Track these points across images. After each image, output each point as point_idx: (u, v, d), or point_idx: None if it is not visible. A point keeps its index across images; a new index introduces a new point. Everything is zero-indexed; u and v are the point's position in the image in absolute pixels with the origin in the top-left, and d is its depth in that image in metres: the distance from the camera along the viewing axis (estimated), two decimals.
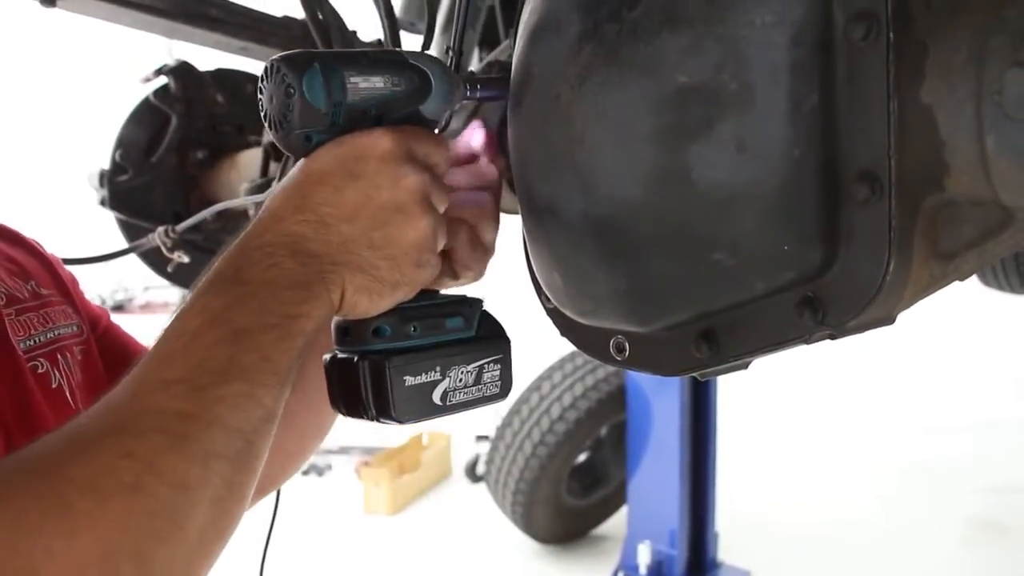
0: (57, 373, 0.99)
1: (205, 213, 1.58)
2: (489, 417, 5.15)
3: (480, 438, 6.11)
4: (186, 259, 1.71)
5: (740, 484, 5.12)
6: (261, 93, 0.79)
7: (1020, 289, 3.87)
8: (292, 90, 0.76)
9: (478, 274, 0.91)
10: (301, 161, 0.80)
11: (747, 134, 0.69)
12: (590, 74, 0.75)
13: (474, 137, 0.92)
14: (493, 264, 0.92)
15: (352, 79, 0.77)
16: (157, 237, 1.66)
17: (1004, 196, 0.66)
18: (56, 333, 1.03)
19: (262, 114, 0.80)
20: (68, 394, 1.00)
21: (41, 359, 0.98)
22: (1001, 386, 7.17)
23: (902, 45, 0.65)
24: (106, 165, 1.98)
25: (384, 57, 0.81)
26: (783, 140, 0.68)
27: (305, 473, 5.99)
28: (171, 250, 1.66)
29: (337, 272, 0.75)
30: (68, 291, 1.13)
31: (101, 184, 1.96)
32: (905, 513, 4.95)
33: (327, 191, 0.76)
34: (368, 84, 0.78)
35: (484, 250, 0.90)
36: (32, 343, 0.98)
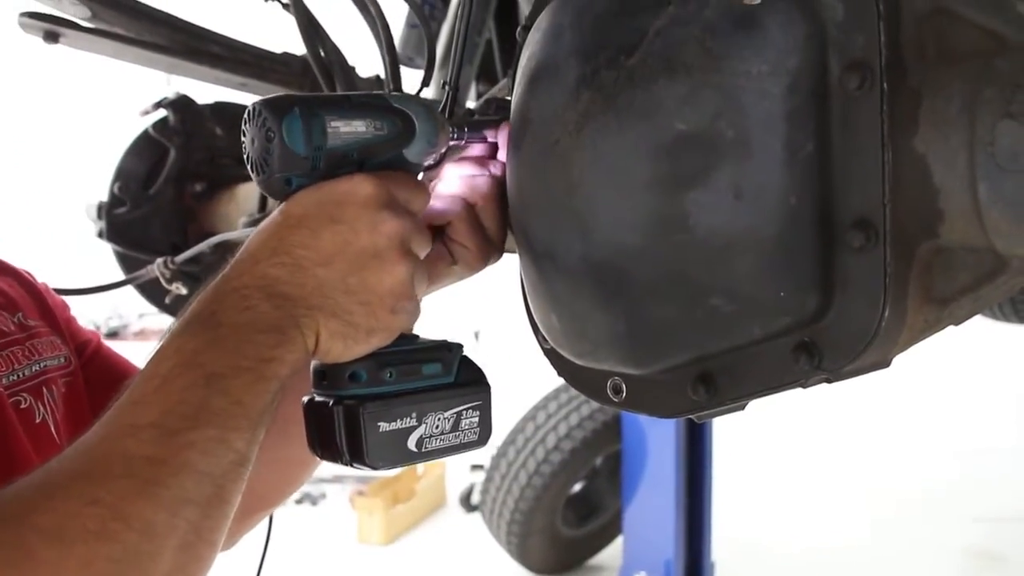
0: (41, 407, 0.99)
1: (203, 245, 1.58)
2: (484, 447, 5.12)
3: (475, 467, 6.08)
4: (184, 291, 1.71)
5: (736, 512, 5.10)
6: (244, 136, 0.80)
7: (1014, 318, 3.89)
8: (272, 134, 0.76)
9: (477, 260, 0.91)
10: (281, 204, 0.79)
11: (744, 181, 0.69)
12: (588, 120, 0.76)
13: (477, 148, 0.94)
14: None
15: (333, 123, 0.77)
16: (156, 268, 1.66)
17: (998, 244, 0.66)
18: (42, 366, 1.02)
19: (244, 156, 0.80)
20: (53, 428, 0.99)
21: (24, 394, 0.98)
22: (998, 413, 7.16)
23: (896, 94, 0.66)
24: (104, 197, 1.99)
25: (367, 101, 0.81)
26: (779, 188, 0.69)
27: (298, 502, 5.96)
28: (169, 281, 1.66)
29: (311, 316, 0.75)
30: (56, 320, 1.12)
31: (99, 216, 1.96)
32: (903, 542, 4.92)
33: (304, 234, 0.76)
34: (350, 128, 0.78)
35: (483, 236, 0.90)
36: (16, 377, 0.98)
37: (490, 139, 0.91)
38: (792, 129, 0.68)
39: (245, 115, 0.79)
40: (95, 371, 1.14)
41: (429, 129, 0.83)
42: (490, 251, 0.91)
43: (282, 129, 0.75)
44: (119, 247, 1.97)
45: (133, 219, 1.97)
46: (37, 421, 0.98)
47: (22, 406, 0.97)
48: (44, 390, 1.01)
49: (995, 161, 0.63)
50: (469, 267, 0.91)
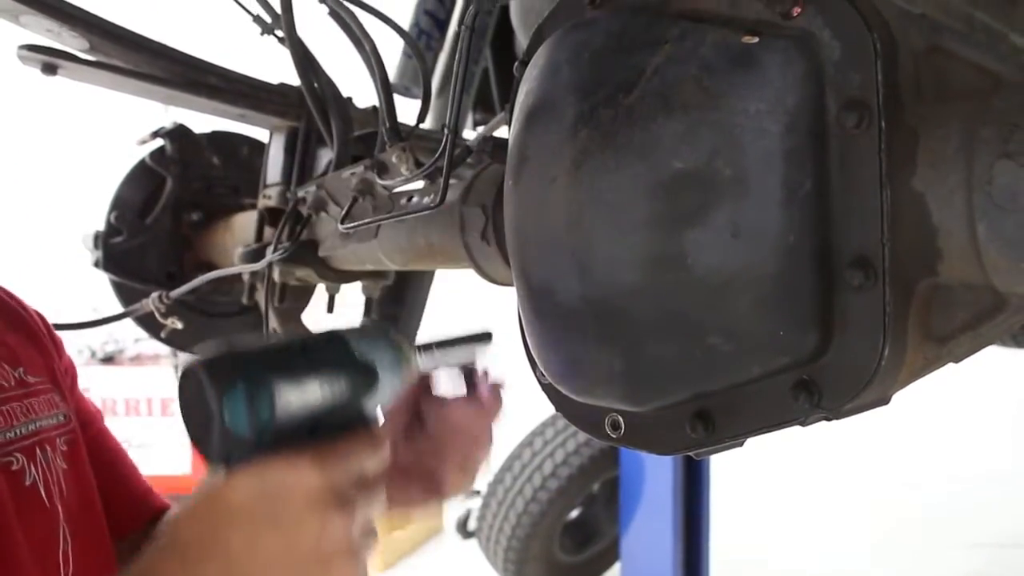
0: (33, 469, 0.97)
1: (198, 281, 1.58)
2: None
3: (472, 493, 6.06)
4: (179, 325, 1.71)
5: (734, 538, 5.07)
6: (180, 393, 0.70)
7: (1011, 343, 3.88)
8: (211, 412, 0.66)
9: (444, 497, 0.88)
10: (217, 483, 0.70)
11: (742, 220, 0.69)
12: (586, 158, 0.76)
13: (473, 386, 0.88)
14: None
15: (283, 394, 0.68)
16: (151, 303, 1.66)
17: (997, 282, 0.66)
18: (37, 425, 1.00)
19: (181, 412, 0.71)
20: (42, 491, 0.97)
21: (17, 454, 0.96)
22: (996, 438, 7.15)
23: (894, 133, 0.66)
24: (101, 226, 1.99)
25: (323, 355, 0.71)
26: (778, 226, 0.68)
27: None
28: (165, 316, 1.66)
29: None
30: (57, 379, 1.10)
31: (96, 246, 1.96)
32: (902, 567, 4.91)
33: (241, 537, 0.68)
34: (301, 397, 0.69)
35: (474, 473, 0.87)
36: (11, 435, 0.96)
37: (467, 364, 0.85)
38: (790, 168, 0.68)
39: (183, 371, 0.69)
40: (92, 452, 1.13)
41: (393, 379, 0.75)
42: (466, 484, 0.88)
43: (223, 409, 0.66)
44: (116, 276, 1.97)
45: (130, 248, 1.96)
46: (27, 484, 0.96)
47: (13, 467, 0.95)
48: (38, 451, 0.99)
49: (993, 201, 0.63)
50: (435, 504, 0.87)
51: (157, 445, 6.32)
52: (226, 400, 0.65)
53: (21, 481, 0.95)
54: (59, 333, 1.19)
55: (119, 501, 1.15)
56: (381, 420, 0.78)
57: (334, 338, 0.73)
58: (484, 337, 0.84)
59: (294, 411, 0.68)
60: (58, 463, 1.01)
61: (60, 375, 1.12)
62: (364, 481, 0.73)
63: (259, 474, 0.69)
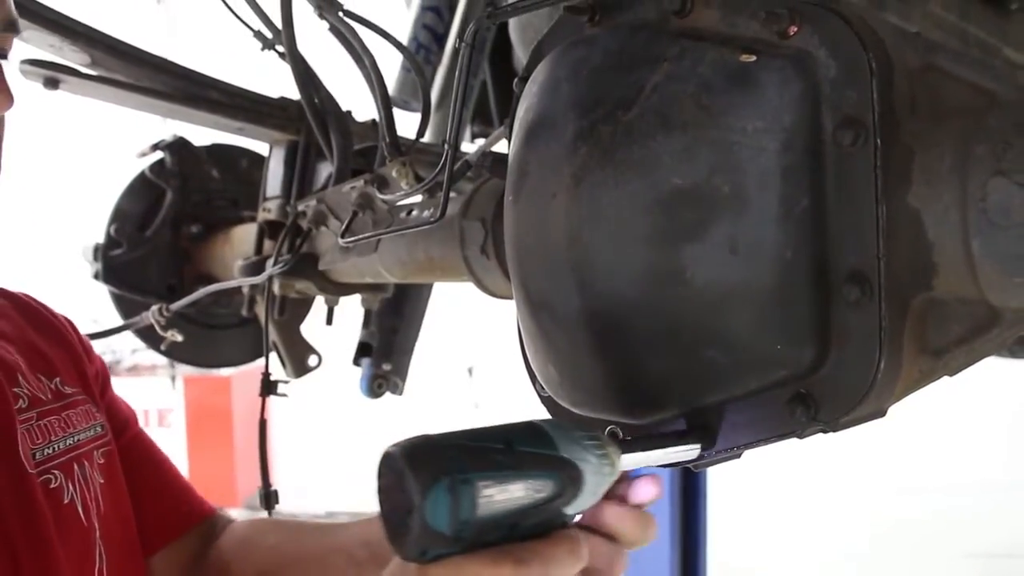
0: (70, 486, 0.98)
1: (199, 294, 1.59)
2: None
3: None
4: (179, 338, 1.71)
5: (730, 546, 5.07)
6: (378, 481, 0.67)
7: (1007, 355, 3.89)
8: (411, 507, 0.63)
9: None
10: (407, 569, 0.67)
11: (740, 236, 0.70)
12: (586, 175, 0.77)
13: (643, 491, 0.77)
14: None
15: (486, 492, 0.64)
16: (151, 316, 1.66)
17: (991, 297, 0.67)
18: (76, 439, 1.01)
19: (378, 500, 0.67)
20: (80, 508, 0.98)
21: (56, 471, 0.97)
22: (989, 448, 7.15)
23: (889, 150, 0.67)
24: (101, 239, 1.99)
25: (530, 456, 0.67)
26: (775, 242, 0.69)
27: None
28: (164, 328, 1.66)
29: None
30: (90, 385, 1.10)
31: (95, 258, 1.97)
32: None
33: None
34: (505, 496, 0.65)
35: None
36: (50, 451, 0.97)
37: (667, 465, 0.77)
38: (787, 185, 0.69)
39: (382, 459, 0.66)
40: (129, 454, 1.13)
41: (598, 482, 0.70)
42: None
43: (425, 506, 0.62)
44: (115, 289, 1.98)
45: (129, 261, 1.97)
46: (65, 502, 0.97)
47: (52, 485, 0.96)
48: (75, 466, 1.00)
49: (987, 217, 0.64)
50: None
51: None
52: (429, 497, 0.62)
53: (60, 499, 0.96)
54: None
55: (158, 509, 1.16)
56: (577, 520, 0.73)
57: (539, 432, 0.69)
58: (692, 437, 0.77)
59: (497, 508, 0.65)
60: (95, 478, 1.02)
61: (92, 381, 1.12)
62: None
63: (457, 570, 0.65)
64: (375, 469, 0.66)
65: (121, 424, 1.15)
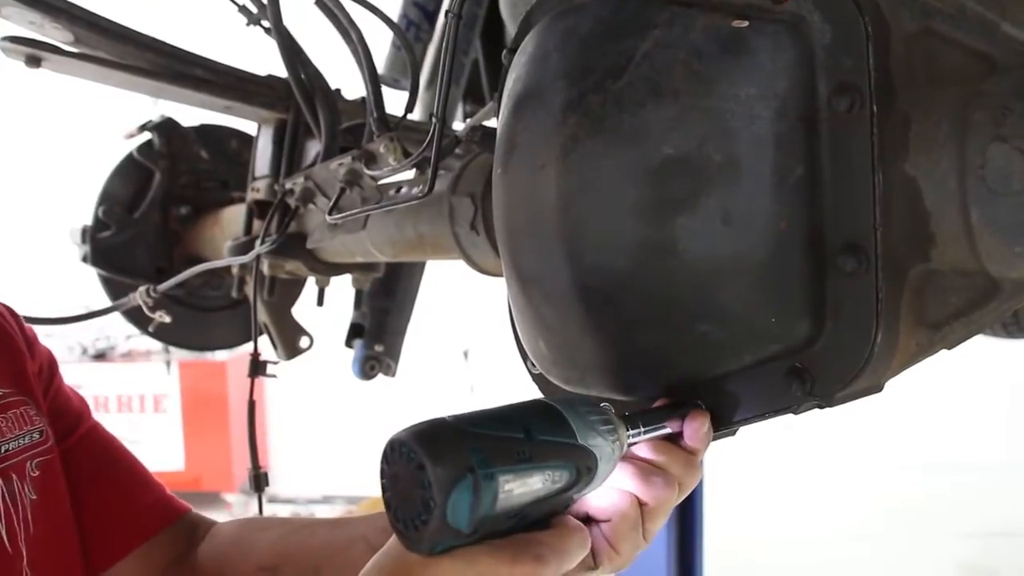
0: None
1: (187, 274, 1.57)
2: None
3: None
4: (168, 319, 1.70)
5: (727, 535, 5.08)
6: (384, 467, 0.63)
7: (1002, 333, 3.89)
8: (432, 504, 0.60)
9: (621, 566, 0.77)
10: (410, 561, 0.63)
11: (733, 206, 0.69)
12: (575, 145, 0.75)
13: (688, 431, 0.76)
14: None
15: (508, 486, 0.62)
16: (139, 296, 1.65)
17: (990, 267, 0.66)
18: (4, 450, 0.92)
19: (381, 493, 0.64)
20: (4, 533, 0.89)
21: None
22: (988, 428, 7.17)
23: (886, 117, 0.65)
24: (89, 221, 1.98)
25: (550, 447, 0.65)
26: (769, 212, 0.68)
27: None
28: (152, 309, 1.65)
29: None
30: (29, 383, 1.01)
31: (83, 240, 1.95)
32: (896, 558, 4.92)
33: None
34: (523, 489, 0.63)
35: (640, 540, 0.76)
36: None
37: (670, 429, 0.76)
38: (781, 153, 0.67)
39: (389, 446, 0.63)
40: (84, 452, 1.06)
41: (608, 469, 0.69)
42: (634, 554, 0.78)
43: (447, 504, 0.59)
44: (104, 271, 1.96)
45: (118, 243, 1.96)
46: None
47: None
48: (1, 484, 0.91)
49: (986, 185, 0.63)
50: (609, 572, 0.77)
51: (149, 442, 6.31)
52: (453, 494, 0.59)
53: None
54: (46, 328, 1.12)
55: (121, 510, 1.07)
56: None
57: (557, 417, 0.67)
58: (688, 406, 0.76)
59: (514, 501, 0.63)
60: (26, 494, 0.93)
61: (34, 378, 1.02)
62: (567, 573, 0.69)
63: (468, 563, 0.63)
64: (379, 453, 0.63)
65: (72, 420, 1.07)
